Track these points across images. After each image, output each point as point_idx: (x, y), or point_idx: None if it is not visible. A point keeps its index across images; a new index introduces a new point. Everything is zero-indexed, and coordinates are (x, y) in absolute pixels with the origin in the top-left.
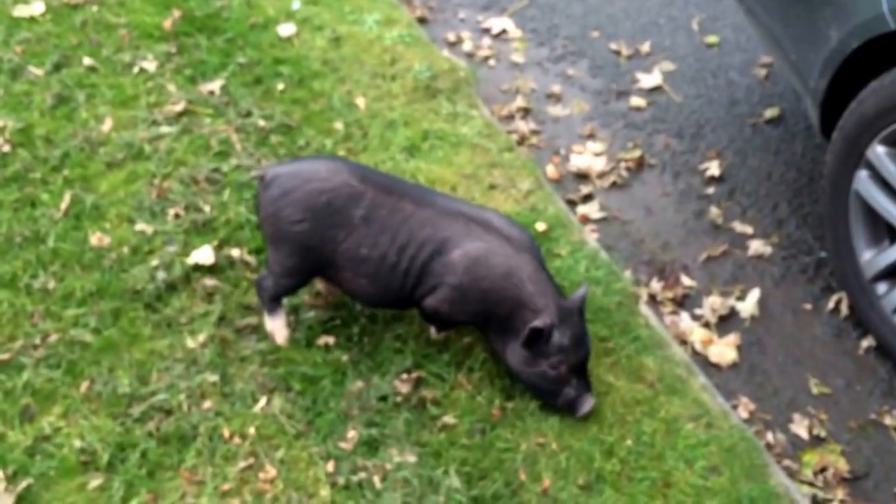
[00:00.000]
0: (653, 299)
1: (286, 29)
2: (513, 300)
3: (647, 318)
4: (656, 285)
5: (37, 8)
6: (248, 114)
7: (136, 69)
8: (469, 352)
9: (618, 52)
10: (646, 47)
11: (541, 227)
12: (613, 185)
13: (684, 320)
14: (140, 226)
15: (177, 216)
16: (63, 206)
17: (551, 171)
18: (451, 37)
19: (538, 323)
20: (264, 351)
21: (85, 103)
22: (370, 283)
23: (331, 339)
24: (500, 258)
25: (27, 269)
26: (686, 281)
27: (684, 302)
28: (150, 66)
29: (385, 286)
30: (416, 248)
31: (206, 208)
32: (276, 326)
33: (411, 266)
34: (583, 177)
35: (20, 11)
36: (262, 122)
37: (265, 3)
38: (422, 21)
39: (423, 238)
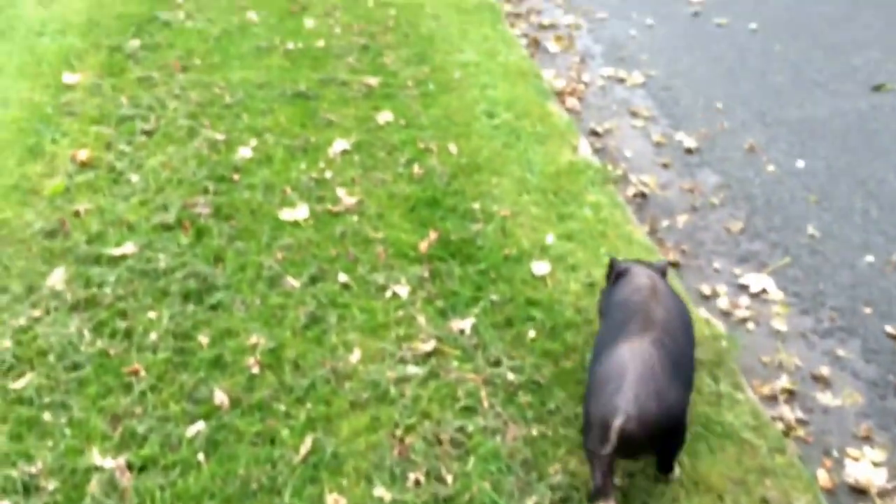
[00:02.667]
0: None
1: (540, 267)
2: None
3: None
4: None
5: (301, 213)
6: (497, 362)
7: (388, 293)
8: None
9: (895, 338)
10: None
11: None
12: None
13: None
14: (378, 490)
15: (417, 483)
16: (303, 450)
17: (823, 477)
18: (706, 289)
19: None
20: None
21: (336, 326)
22: None
23: None
24: None
25: None
26: None
27: None
28: (403, 291)
29: None
30: None
31: (449, 478)
32: None
33: None
34: (860, 492)
35: (286, 215)
36: (510, 376)
37: (519, 233)
38: (674, 265)
39: None
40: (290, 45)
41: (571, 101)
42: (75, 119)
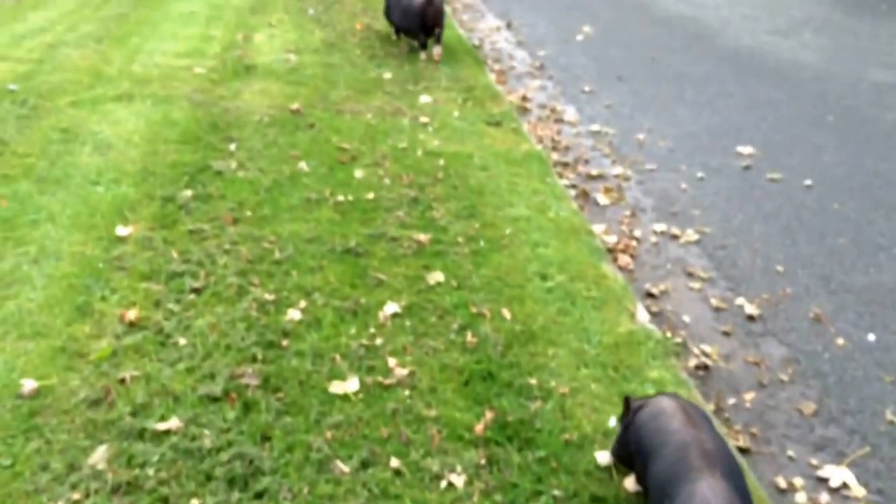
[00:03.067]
0: None
1: (604, 457)
2: None
3: None
4: None
5: (351, 385)
6: None
7: (443, 483)
8: None
9: None
10: None
11: None
12: None
13: None
14: None
15: None
16: None
17: None
18: (781, 482)
19: None
20: None
21: None
22: None
23: None
24: None
25: None
26: None
27: None
28: (459, 481)
29: None
30: None
31: None
32: None
33: None
34: None
35: (336, 388)
36: None
37: (580, 414)
38: (743, 451)
39: None
40: (341, 197)
41: (624, 259)
42: (126, 274)
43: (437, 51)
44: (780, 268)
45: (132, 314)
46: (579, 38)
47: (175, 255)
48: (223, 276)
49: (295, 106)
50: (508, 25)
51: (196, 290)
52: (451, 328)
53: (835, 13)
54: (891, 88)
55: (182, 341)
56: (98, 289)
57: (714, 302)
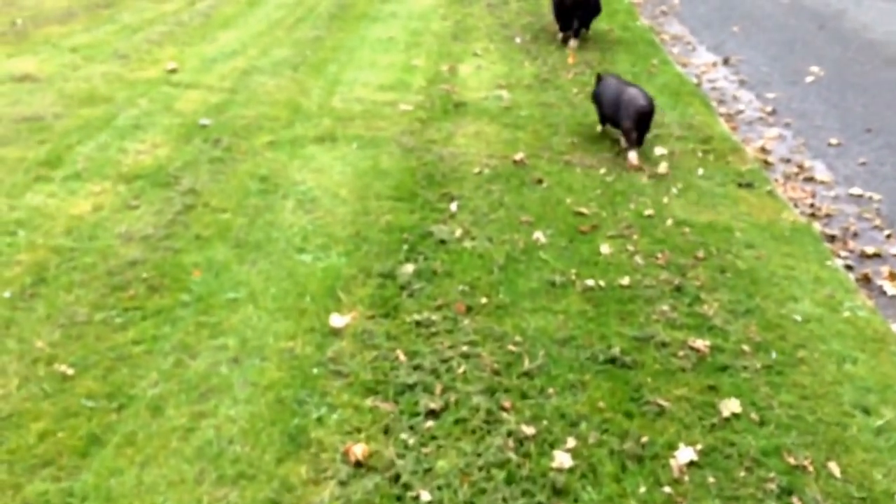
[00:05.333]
0: None
1: None
2: None
3: None
4: None
5: None
6: None
7: None
8: None
9: None
10: None
11: None
12: None
13: None
14: None
15: None
16: None
17: None
18: None
19: None
20: None
21: None
22: None
23: None
24: None
25: None
26: None
27: None
28: None
29: None
30: None
31: None
32: None
33: None
34: None
35: None
36: None
37: None
38: None
39: None
40: (590, 282)
41: None
42: (346, 384)
43: (632, 157)
44: None
45: (359, 450)
46: (809, 79)
47: (402, 356)
48: (465, 393)
49: (518, 156)
50: (726, 61)
51: (433, 414)
52: (768, 489)
53: None
54: None
55: (424, 496)
56: (313, 405)
57: None
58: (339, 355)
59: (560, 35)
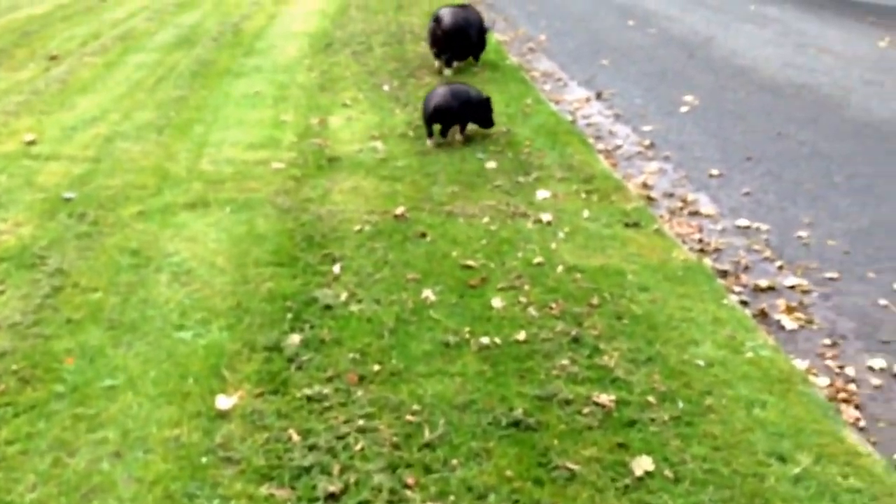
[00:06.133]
0: None
1: None
2: None
3: None
4: None
5: None
6: None
7: None
8: None
9: None
10: None
11: None
12: None
13: None
14: None
15: None
16: None
17: None
18: None
19: None
20: None
21: None
22: None
23: None
24: None
25: None
26: None
27: None
28: None
29: None
30: None
31: None
32: None
33: None
34: None
35: None
36: None
37: None
38: None
39: None
40: (484, 340)
41: (849, 412)
42: (238, 472)
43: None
44: None
45: None
46: (684, 109)
47: (296, 437)
48: (366, 472)
49: (398, 210)
50: (599, 96)
51: (333, 497)
52: None
53: None
54: None
55: None
56: (205, 498)
57: None
58: (229, 440)
59: (436, 64)
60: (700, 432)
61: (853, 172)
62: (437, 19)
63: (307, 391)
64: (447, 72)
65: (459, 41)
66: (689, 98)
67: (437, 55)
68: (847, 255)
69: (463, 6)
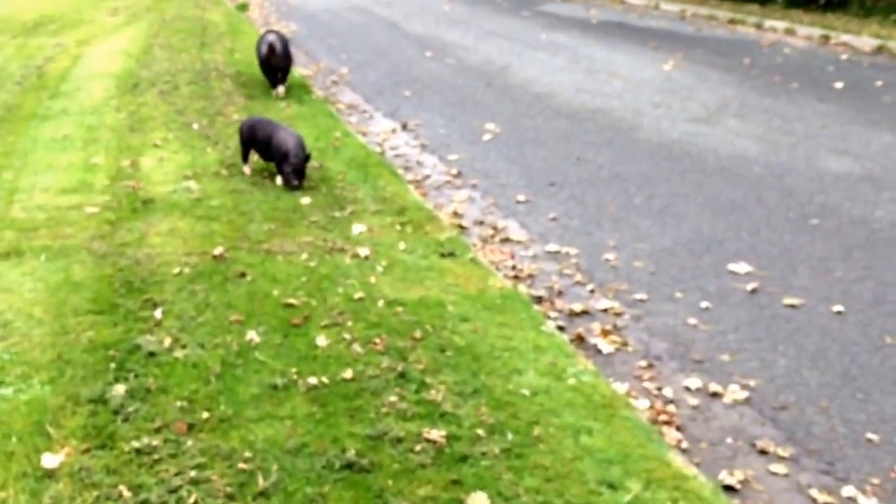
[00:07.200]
0: None
1: None
2: None
3: None
4: None
5: None
6: None
7: None
8: None
9: None
10: None
11: None
12: None
13: None
14: None
15: None
16: None
17: None
18: None
19: None
20: None
21: None
22: None
23: None
24: None
25: None
26: None
27: None
28: None
29: None
30: None
31: None
32: None
33: None
34: None
35: None
36: None
37: None
38: None
39: None
40: (312, 380)
41: (671, 434)
42: None
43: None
44: (872, 435)
45: None
46: (486, 137)
47: (126, 493)
48: None
49: (217, 251)
50: (404, 127)
51: None
52: None
53: (748, 95)
54: (860, 180)
55: None
56: None
57: (815, 494)
58: (57, 500)
59: (273, 90)
60: (531, 464)
61: (651, 193)
62: (270, 47)
63: (135, 444)
64: (281, 90)
65: (287, 62)
66: (490, 126)
67: (272, 78)
68: (654, 276)
69: (271, 31)
